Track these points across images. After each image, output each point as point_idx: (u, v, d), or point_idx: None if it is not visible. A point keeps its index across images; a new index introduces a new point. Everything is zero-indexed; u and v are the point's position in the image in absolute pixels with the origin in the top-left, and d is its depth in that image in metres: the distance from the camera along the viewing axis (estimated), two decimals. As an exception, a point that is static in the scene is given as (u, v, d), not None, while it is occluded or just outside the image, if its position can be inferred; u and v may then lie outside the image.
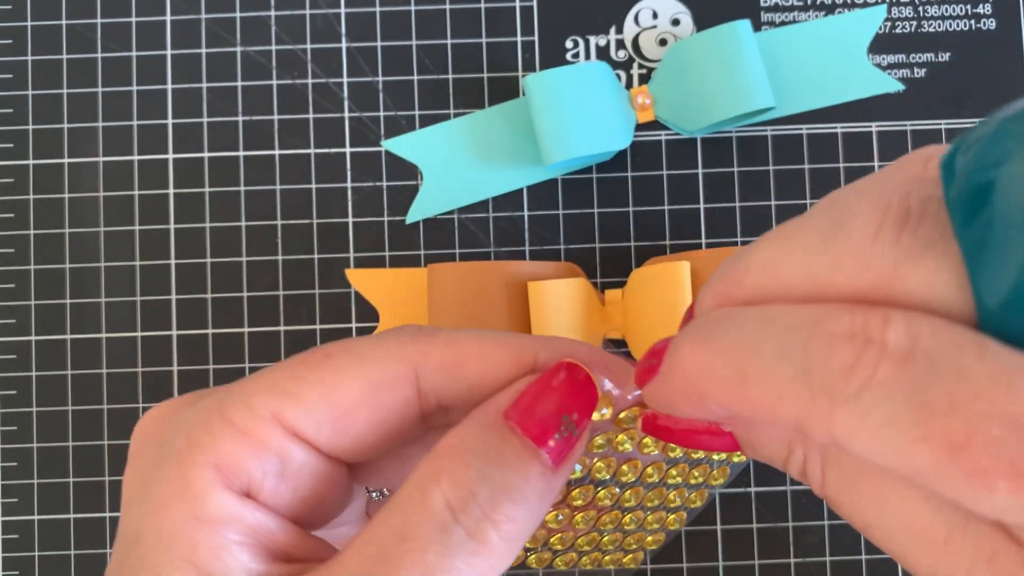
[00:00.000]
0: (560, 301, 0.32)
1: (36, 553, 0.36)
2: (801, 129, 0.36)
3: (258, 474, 0.17)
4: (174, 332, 0.36)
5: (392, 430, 0.18)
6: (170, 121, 0.37)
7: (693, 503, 0.23)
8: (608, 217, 0.36)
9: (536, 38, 0.37)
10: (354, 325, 0.36)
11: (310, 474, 0.18)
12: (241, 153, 0.37)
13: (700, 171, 0.36)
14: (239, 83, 0.37)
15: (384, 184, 0.37)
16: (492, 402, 0.17)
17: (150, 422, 0.19)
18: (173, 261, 0.36)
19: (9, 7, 0.37)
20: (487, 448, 0.16)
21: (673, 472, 0.21)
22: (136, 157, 0.37)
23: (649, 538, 0.23)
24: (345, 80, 0.37)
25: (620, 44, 0.37)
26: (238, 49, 0.37)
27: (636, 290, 0.33)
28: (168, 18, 0.37)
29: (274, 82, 0.37)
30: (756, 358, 0.14)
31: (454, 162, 0.36)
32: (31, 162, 0.37)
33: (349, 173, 0.37)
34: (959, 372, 0.12)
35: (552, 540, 0.21)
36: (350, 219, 0.36)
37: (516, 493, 0.16)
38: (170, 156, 0.37)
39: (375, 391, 0.18)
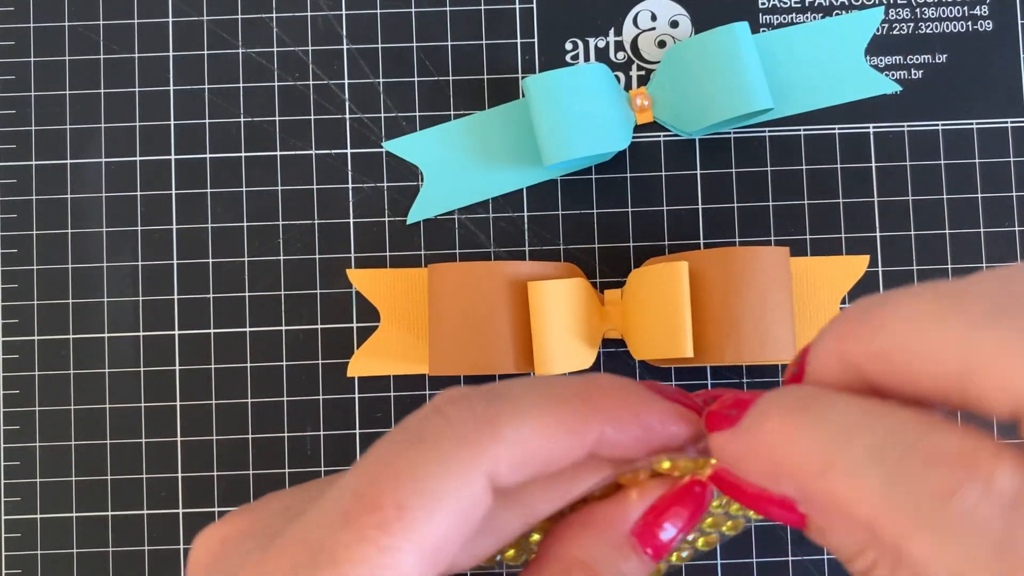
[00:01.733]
0: (560, 301, 0.32)
1: (38, 552, 0.36)
2: (799, 130, 0.37)
3: None
4: (176, 332, 0.36)
5: (473, 532, 0.19)
6: (172, 122, 0.37)
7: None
8: (607, 217, 0.36)
9: (536, 40, 0.37)
10: (355, 325, 0.36)
11: None
12: (243, 154, 0.37)
13: (698, 172, 0.37)
14: (241, 84, 0.37)
15: (385, 185, 0.37)
16: (620, 519, 0.19)
17: (210, 558, 0.18)
18: (175, 261, 0.37)
19: (12, 8, 0.37)
20: (615, 569, 0.19)
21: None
22: (138, 158, 0.37)
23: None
24: (346, 81, 0.37)
25: (619, 46, 0.37)
26: (240, 51, 0.37)
27: (635, 290, 0.33)
28: (170, 20, 0.37)
29: (275, 83, 0.37)
30: (847, 451, 0.13)
31: (454, 163, 0.37)
32: (34, 163, 0.37)
33: (350, 174, 0.37)
34: None
35: None
36: (351, 219, 0.37)
37: None
38: (172, 157, 0.37)
39: (462, 522, 0.18)
